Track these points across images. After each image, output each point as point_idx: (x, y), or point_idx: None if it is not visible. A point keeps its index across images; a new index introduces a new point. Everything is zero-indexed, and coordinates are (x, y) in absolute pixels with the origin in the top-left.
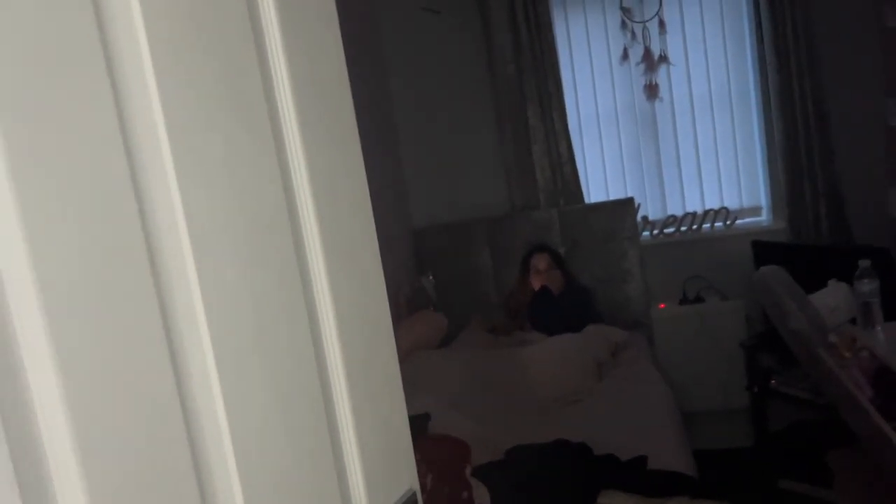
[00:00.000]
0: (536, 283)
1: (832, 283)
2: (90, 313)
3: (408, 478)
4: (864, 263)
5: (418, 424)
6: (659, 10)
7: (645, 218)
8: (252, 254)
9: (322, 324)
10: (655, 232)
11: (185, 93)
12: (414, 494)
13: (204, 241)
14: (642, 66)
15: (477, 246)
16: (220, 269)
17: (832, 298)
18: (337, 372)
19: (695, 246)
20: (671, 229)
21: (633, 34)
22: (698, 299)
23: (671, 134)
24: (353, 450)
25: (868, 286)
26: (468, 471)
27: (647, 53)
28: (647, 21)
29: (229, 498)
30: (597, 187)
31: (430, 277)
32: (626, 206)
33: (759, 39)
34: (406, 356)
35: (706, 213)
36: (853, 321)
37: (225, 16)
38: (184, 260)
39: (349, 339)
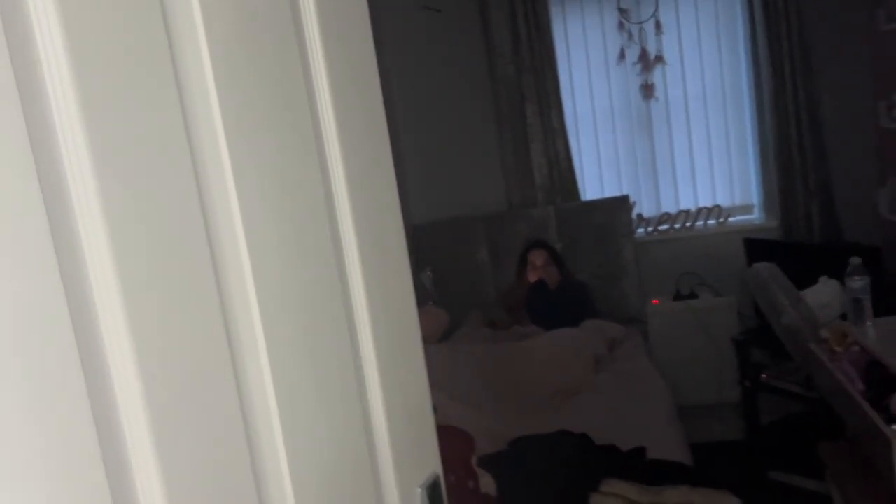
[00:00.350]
0: (533, 278)
1: (823, 279)
2: (161, 306)
3: (432, 462)
4: (856, 261)
5: None
6: (655, 12)
7: (640, 215)
8: (296, 244)
9: (356, 313)
10: (650, 229)
11: (240, 97)
12: (437, 477)
13: (256, 233)
14: (638, 67)
15: (475, 242)
16: (269, 261)
17: (824, 295)
18: (370, 361)
19: (688, 243)
20: (665, 226)
21: (630, 35)
22: (692, 295)
23: (666, 133)
24: (383, 435)
25: (859, 283)
26: (474, 461)
27: (644, 54)
28: (643, 22)
29: (277, 478)
30: (593, 185)
31: (429, 273)
32: (621, 204)
33: (753, 41)
34: None
35: (699, 210)
36: (843, 317)
37: (273, 28)
38: (238, 251)
39: (380, 330)
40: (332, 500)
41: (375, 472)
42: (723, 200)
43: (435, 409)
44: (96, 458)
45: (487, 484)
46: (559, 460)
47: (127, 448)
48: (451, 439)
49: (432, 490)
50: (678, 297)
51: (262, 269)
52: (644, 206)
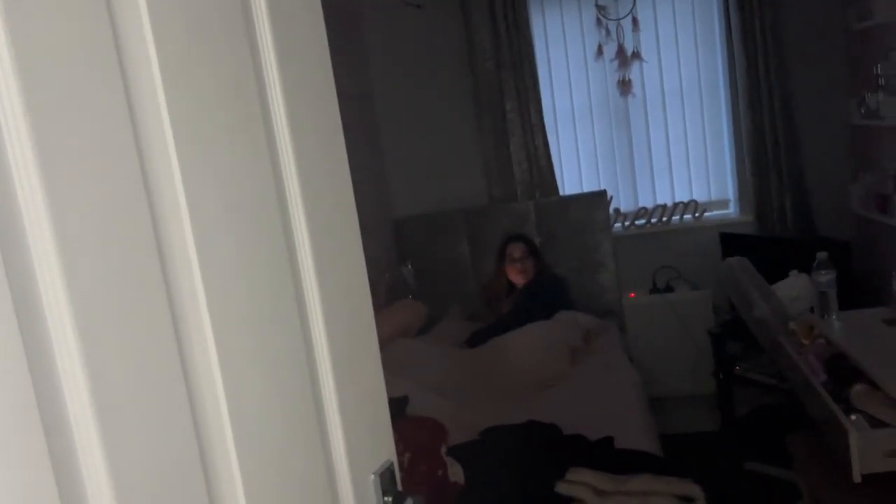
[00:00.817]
0: (512, 272)
1: (794, 273)
2: (109, 299)
3: (386, 449)
4: (822, 255)
5: (397, 406)
6: (633, 9)
7: (617, 210)
8: (247, 244)
9: (309, 308)
10: (627, 223)
11: (190, 97)
12: (391, 465)
13: (205, 232)
14: (616, 63)
15: (456, 236)
16: (219, 257)
17: (794, 288)
18: (322, 351)
19: (665, 237)
20: (642, 221)
21: (608, 31)
22: (668, 289)
23: (643, 129)
24: (336, 422)
25: (825, 277)
26: (444, 450)
27: (621, 50)
28: (621, 19)
29: (226, 463)
30: (571, 180)
31: (409, 266)
32: (599, 199)
33: (729, 38)
34: (385, 344)
35: (676, 205)
36: (813, 310)
37: (224, 29)
38: (187, 250)
39: (333, 321)
40: (282, 487)
41: (328, 459)
42: (699, 195)
43: (408, 400)
44: (43, 456)
45: (457, 473)
46: (527, 450)
47: (74, 441)
48: (424, 429)
49: (386, 476)
50: (655, 290)
51: (210, 258)
52: (621, 201)
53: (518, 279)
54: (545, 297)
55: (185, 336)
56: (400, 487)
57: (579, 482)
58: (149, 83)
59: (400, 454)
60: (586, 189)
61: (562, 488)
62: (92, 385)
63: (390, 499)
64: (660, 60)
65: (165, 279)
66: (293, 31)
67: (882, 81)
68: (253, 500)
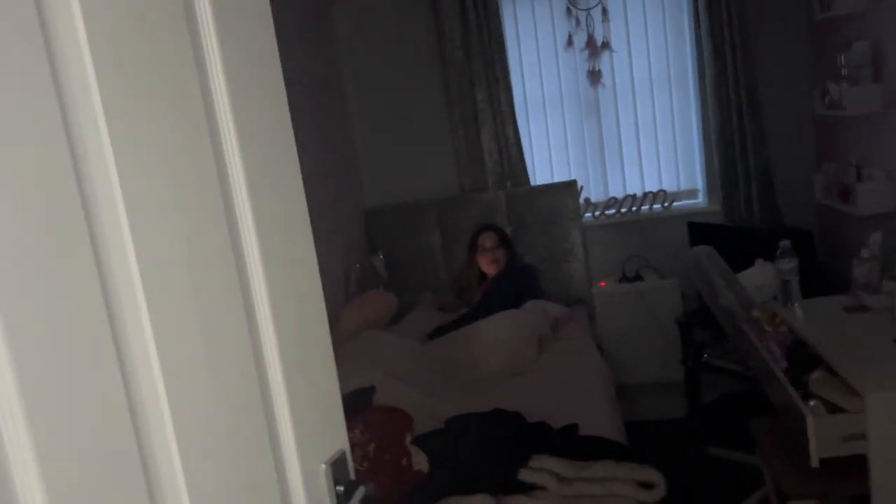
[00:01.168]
0: (484, 262)
1: (759, 262)
2: (39, 297)
3: (339, 439)
4: (785, 244)
5: (364, 396)
6: None
7: (587, 200)
8: (188, 233)
9: (255, 296)
10: (597, 213)
11: (124, 84)
12: (343, 454)
13: (143, 226)
14: (586, 53)
15: (427, 226)
16: (157, 248)
17: (759, 277)
18: (269, 338)
19: (634, 226)
20: (612, 210)
21: (578, 21)
22: (637, 277)
23: (613, 119)
24: (284, 413)
25: (788, 265)
26: (409, 439)
27: (591, 40)
28: (591, 9)
29: (167, 457)
30: (542, 170)
31: (381, 257)
32: (569, 189)
33: (698, 29)
34: (355, 334)
35: (645, 195)
36: (777, 298)
37: (161, 13)
38: (123, 242)
39: (281, 311)
40: (227, 479)
41: (276, 450)
42: (668, 185)
43: (374, 390)
44: None
45: (421, 462)
46: (491, 438)
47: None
48: (390, 419)
49: (338, 466)
50: (624, 279)
51: (148, 250)
52: (592, 191)
53: (490, 269)
54: (516, 286)
55: (119, 321)
56: (353, 477)
57: (542, 469)
58: (81, 77)
59: (365, 443)
60: (557, 179)
61: (525, 475)
62: (20, 382)
63: (342, 488)
64: (629, 51)
65: (100, 271)
66: (236, 16)
67: (844, 72)
68: (196, 494)
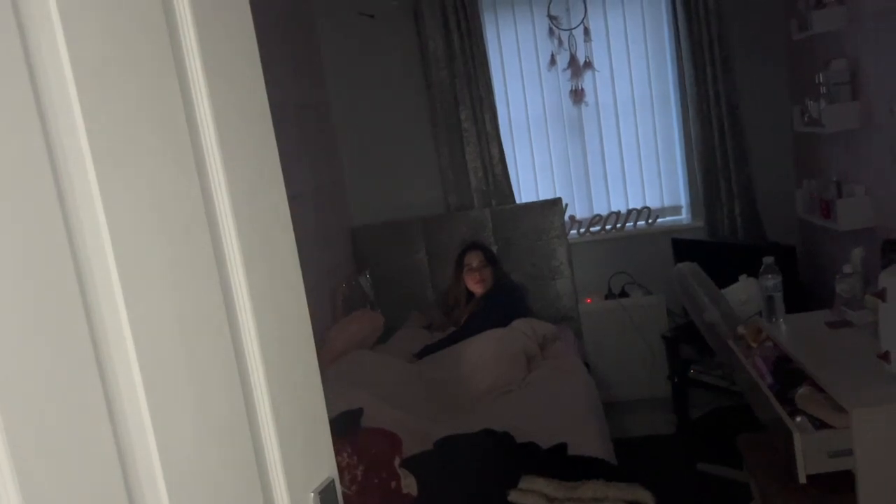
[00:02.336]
0: (470, 280)
1: (743, 278)
2: (19, 316)
3: (327, 466)
4: (768, 260)
5: (351, 418)
6: (584, 19)
7: (572, 217)
8: (173, 258)
9: (241, 321)
10: (582, 230)
11: (108, 108)
12: (332, 482)
13: (125, 245)
14: (569, 72)
15: (414, 245)
16: (142, 271)
17: (743, 292)
18: (256, 367)
19: (619, 243)
20: (597, 228)
21: (560, 41)
22: (623, 294)
23: (597, 137)
24: (272, 442)
25: (771, 281)
26: (398, 462)
27: (574, 60)
28: (573, 29)
29: (153, 489)
30: (527, 188)
31: (367, 276)
32: (554, 206)
33: (679, 48)
34: (342, 354)
35: (630, 212)
36: (761, 314)
37: (146, 37)
38: (107, 264)
39: (267, 335)
40: None
41: (264, 479)
42: (652, 202)
43: (362, 412)
44: None
45: (410, 485)
46: (481, 459)
47: None
48: (378, 441)
49: (327, 494)
50: (610, 295)
51: (131, 273)
52: (577, 208)
53: (476, 288)
54: (504, 305)
55: (104, 352)
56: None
57: (531, 490)
58: (63, 95)
59: (354, 466)
60: (542, 197)
61: (514, 496)
62: (4, 411)
63: None
64: (612, 70)
65: (83, 296)
66: (221, 39)
67: (823, 90)
68: None
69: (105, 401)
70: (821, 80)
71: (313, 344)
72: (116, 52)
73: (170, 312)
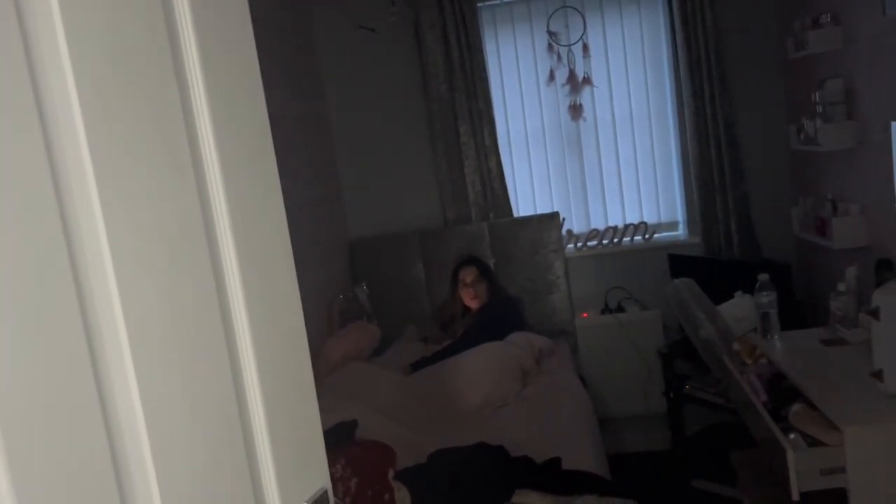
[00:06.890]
0: (465, 296)
1: (738, 294)
2: (16, 320)
3: (320, 477)
4: (763, 277)
5: (346, 431)
6: (583, 35)
7: (570, 231)
8: (171, 270)
9: (237, 333)
10: (579, 245)
11: (110, 123)
12: (325, 493)
13: (125, 258)
14: (567, 88)
15: (411, 258)
16: (139, 282)
17: (738, 309)
18: (251, 376)
19: (616, 258)
20: (594, 242)
21: (559, 57)
22: (619, 309)
23: (594, 152)
24: (266, 452)
25: (767, 298)
26: (391, 474)
27: (572, 75)
28: (572, 45)
29: (147, 500)
30: (525, 202)
31: (364, 288)
32: (551, 220)
33: (677, 66)
34: (338, 366)
35: (626, 227)
36: (756, 330)
37: (148, 54)
38: (105, 275)
39: (263, 347)
40: None
41: (258, 488)
42: (649, 217)
43: (357, 424)
44: None
45: (403, 498)
46: (474, 472)
47: None
48: (372, 453)
49: None
50: (606, 310)
51: (131, 287)
52: (574, 223)
53: (472, 303)
54: (500, 319)
55: (102, 364)
56: None
57: None
58: (68, 118)
59: (347, 478)
60: (539, 211)
61: None
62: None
63: None
64: (610, 86)
65: (82, 308)
66: (222, 52)
67: (819, 109)
68: None
69: (102, 414)
70: (816, 99)
71: (309, 355)
72: (118, 67)
73: (166, 323)
